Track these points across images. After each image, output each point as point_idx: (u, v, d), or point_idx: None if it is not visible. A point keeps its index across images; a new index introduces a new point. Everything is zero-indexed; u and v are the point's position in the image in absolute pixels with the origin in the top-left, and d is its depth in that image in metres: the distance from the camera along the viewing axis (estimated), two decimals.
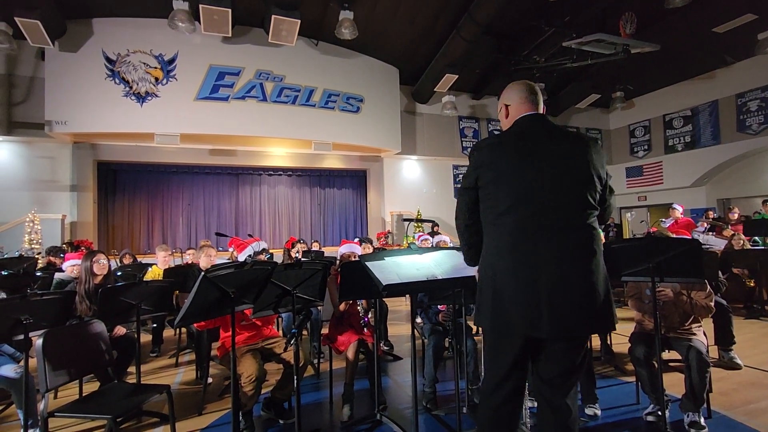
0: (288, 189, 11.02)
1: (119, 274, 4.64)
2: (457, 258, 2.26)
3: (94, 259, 3.34)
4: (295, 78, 9.06)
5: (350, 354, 2.88)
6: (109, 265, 3.48)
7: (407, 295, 2.59)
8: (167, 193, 9.90)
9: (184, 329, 4.39)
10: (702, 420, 2.45)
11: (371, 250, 4.72)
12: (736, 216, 7.06)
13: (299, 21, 7.47)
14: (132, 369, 3.16)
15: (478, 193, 1.64)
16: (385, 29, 8.93)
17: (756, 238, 6.19)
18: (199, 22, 7.35)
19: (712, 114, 11.15)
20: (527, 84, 1.74)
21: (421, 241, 5.56)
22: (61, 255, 5.49)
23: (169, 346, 4.68)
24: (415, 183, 11.70)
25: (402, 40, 9.36)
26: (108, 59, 7.80)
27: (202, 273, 1.79)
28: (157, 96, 8.06)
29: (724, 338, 3.61)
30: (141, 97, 7.98)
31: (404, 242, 9.04)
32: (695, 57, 10.18)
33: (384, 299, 4.52)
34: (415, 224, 9.57)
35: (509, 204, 1.53)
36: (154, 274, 4.59)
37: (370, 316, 3.21)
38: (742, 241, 5.48)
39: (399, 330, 5.10)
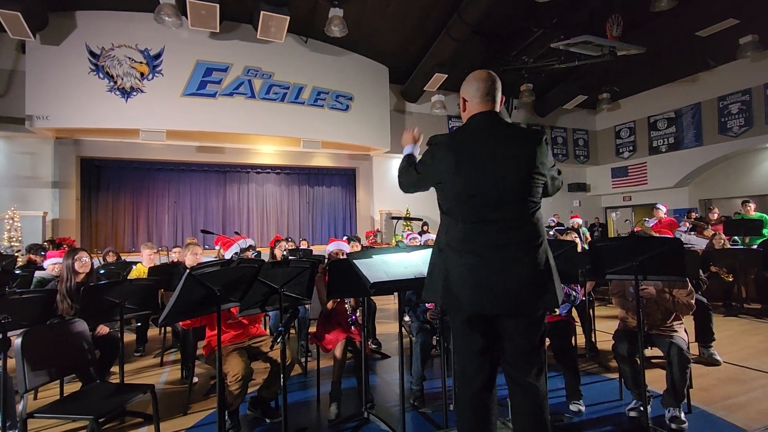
0: (276, 187, 10.94)
1: (102, 272, 4.55)
2: None
3: (75, 257, 3.27)
4: (284, 75, 8.98)
5: (338, 352, 2.87)
6: (92, 263, 3.41)
7: (395, 294, 2.59)
8: (153, 190, 9.75)
9: (169, 328, 4.33)
10: (682, 415, 2.50)
11: (360, 249, 4.71)
12: (716, 216, 7.23)
13: (288, 17, 7.42)
14: (115, 369, 3.11)
15: (424, 180, 1.80)
16: (374, 27, 8.92)
17: (735, 237, 6.34)
18: (186, 17, 7.24)
19: (695, 116, 11.40)
20: (486, 80, 1.75)
21: (410, 239, 5.58)
22: (42, 253, 5.36)
23: (154, 346, 4.62)
24: None
25: (392, 38, 9.36)
26: (92, 53, 7.63)
27: (188, 270, 1.77)
28: (142, 91, 7.92)
29: (705, 335, 3.70)
30: (126, 93, 7.83)
31: (393, 241, 9.05)
32: (679, 60, 10.39)
33: (372, 297, 4.53)
34: (404, 223, 9.60)
35: (461, 198, 1.65)
36: (138, 272, 4.52)
37: (358, 314, 3.21)
38: (722, 241, 5.61)
39: (387, 328, 5.11)
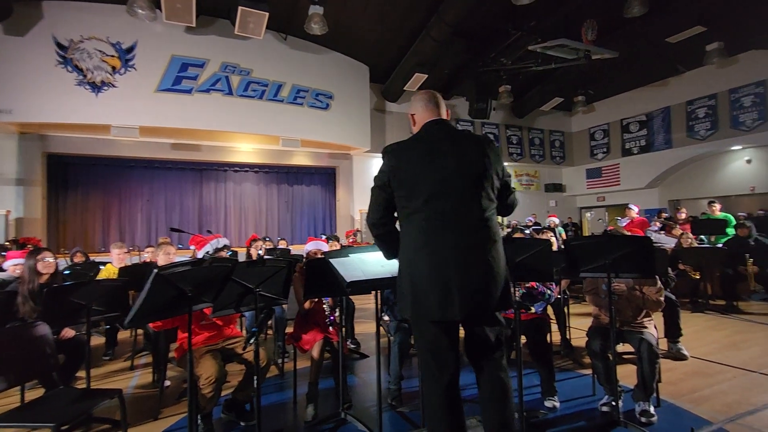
0: (255, 186, 10.76)
1: (67, 273, 4.36)
2: None
3: (38, 257, 3.13)
4: (262, 72, 8.84)
5: (315, 353, 2.83)
6: (56, 264, 3.27)
7: (374, 293, 2.58)
8: (125, 188, 9.43)
9: (140, 330, 4.19)
10: (652, 408, 2.57)
11: (339, 248, 4.67)
12: (683, 216, 7.50)
13: (267, 14, 7.30)
14: (82, 374, 2.99)
15: (389, 192, 1.78)
16: (355, 26, 8.88)
17: (702, 236, 6.60)
18: (161, 10, 7.03)
19: (665, 120, 11.82)
20: (428, 93, 1.88)
21: None
22: (2, 254, 5.10)
23: (125, 349, 4.46)
24: None
25: (372, 37, 9.34)
26: (59, 45, 7.32)
27: (155, 270, 1.70)
28: (114, 86, 7.64)
29: (673, 331, 3.83)
30: (96, 87, 7.54)
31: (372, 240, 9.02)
32: (650, 65, 10.75)
33: (351, 297, 4.50)
34: None
35: (419, 203, 1.69)
36: (108, 272, 4.35)
37: (336, 314, 3.18)
38: (690, 240, 5.83)
39: (366, 328, 5.09)
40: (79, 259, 5.52)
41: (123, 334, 4.78)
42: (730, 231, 6.35)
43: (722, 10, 8.05)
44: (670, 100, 11.69)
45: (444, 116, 1.84)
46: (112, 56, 7.64)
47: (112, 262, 4.49)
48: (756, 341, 4.17)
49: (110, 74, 7.62)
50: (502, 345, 1.80)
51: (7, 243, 6.67)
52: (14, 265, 3.52)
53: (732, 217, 6.75)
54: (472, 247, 1.67)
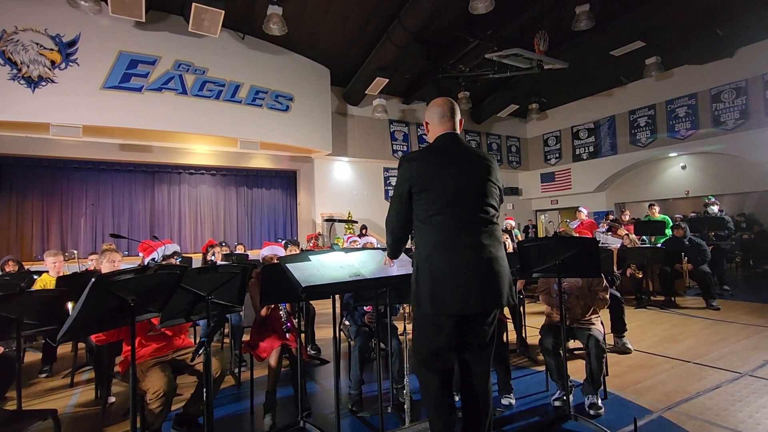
0: (212, 189, 10.38)
1: None
2: (382, 258, 2.27)
3: None
4: (219, 72, 8.55)
5: (272, 360, 2.75)
6: None
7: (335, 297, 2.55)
8: (67, 191, 8.81)
9: (81, 344, 3.90)
10: (599, 401, 2.71)
11: (298, 252, 4.58)
12: (627, 217, 8.00)
13: (223, 11, 7.08)
14: (13, 393, 2.73)
15: (409, 199, 1.91)
16: (316, 28, 8.80)
17: (644, 237, 7.06)
18: (106, 3, 6.64)
19: (611, 128, 12.59)
20: (445, 106, 2.00)
21: (350, 242, 5.54)
22: None
23: (64, 364, 4.13)
24: (346, 184, 11.67)
25: (333, 40, 9.30)
26: None
27: (92, 280, 1.58)
28: (53, 81, 7.11)
29: (618, 326, 4.06)
30: (33, 82, 6.99)
31: (332, 243, 8.95)
32: (597, 76, 11.43)
33: (311, 302, 4.42)
34: (346, 225, 9.53)
35: (439, 207, 1.84)
36: (44, 282, 4.02)
37: (296, 320, 3.10)
38: (632, 240, 6.22)
39: (327, 333, 5.02)
40: (11, 268, 5.05)
41: (63, 349, 4.43)
42: (668, 232, 6.83)
43: (659, 27, 8.70)
44: (615, 110, 12.49)
45: (457, 128, 1.99)
46: (51, 50, 7.11)
47: (48, 272, 4.16)
48: (691, 333, 4.51)
49: (49, 69, 7.09)
50: (494, 342, 1.97)
51: None
52: None
53: (669, 219, 7.27)
54: (484, 246, 1.83)
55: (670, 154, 11.69)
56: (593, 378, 2.70)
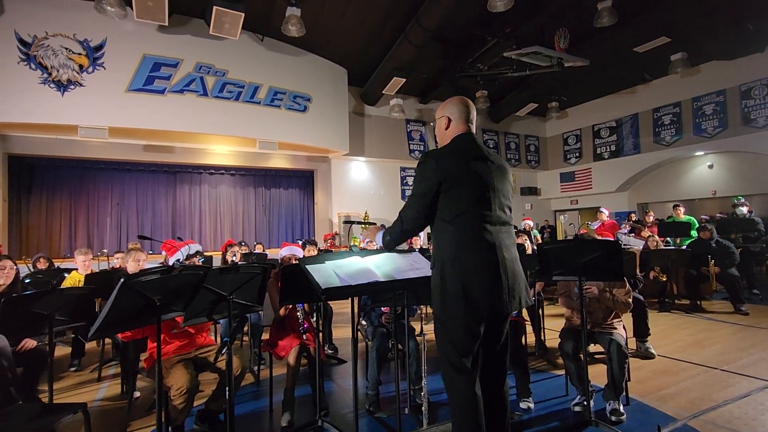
0: (231, 189, 10.56)
1: (28, 281, 4.15)
2: (398, 260, 2.28)
3: None
4: (238, 73, 8.69)
5: (291, 359, 2.79)
6: (17, 272, 3.11)
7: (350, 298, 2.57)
8: (94, 191, 9.09)
9: (108, 340, 4.03)
10: (621, 407, 2.65)
11: (315, 253, 4.63)
12: (651, 219, 7.79)
13: (243, 14, 7.18)
14: (45, 386, 2.85)
15: (435, 198, 1.86)
16: (333, 29, 8.85)
17: (668, 239, 6.87)
18: (131, 8, 6.82)
19: (633, 126, 12.27)
20: (470, 106, 2.03)
21: (367, 242, 5.56)
22: None
23: (92, 359, 4.28)
24: (362, 184, 11.70)
25: (351, 40, 9.33)
26: (22, 41, 6.98)
27: (121, 280, 1.64)
28: (81, 85, 7.35)
29: (641, 330, 3.96)
30: (62, 86, 7.24)
31: (350, 244, 9.00)
32: (619, 73, 11.15)
33: (329, 302, 4.46)
34: (363, 227, 9.56)
35: (466, 206, 1.83)
36: (73, 280, 4.16)
37: (313, 319, 3.14)
38: (656, 242, 6.06)
39: (344, 332, 5.06)
40: (42, 265, 5.27)
41: (91, 344, 4.58)
42: (694, 233, 6.63)
43: (686, 22, 8.43)
44: (638, 107, 12.16)
45: (474, 130, 2.01)
46: (80, 54, 7.36)
47: (77, 269, 4.31)
48: (718, 339, 4.36)
49: (77, 73, 7.33)
50: (508, 343, 1.99)
51: None
52: None
53: (695, 220, 7.05)
54: (507, 247, 1.87)
55: (696, 153, 11.32)
56: (615, 383, 2.65)
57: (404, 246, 4.16)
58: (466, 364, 1.83)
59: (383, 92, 10.55)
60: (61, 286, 4.09)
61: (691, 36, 9.06)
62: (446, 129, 2.03)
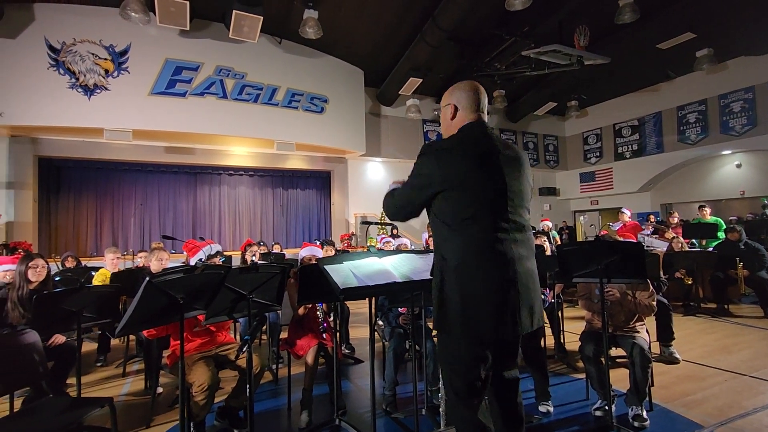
0: (249, 189, 10.72)
1: (58, 279, 4.31)
2: (416, 261, 2.28)
3: (30, 264, 3.09)
4: (257, 76, 8.83)
5: (309, 358, 2.82)
6: (48, 270, 3.23)
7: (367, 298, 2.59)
8: (118, 192, 9.37)
9: (132, 336, 4.15)
10: (644, 413, 2.59)
11: (333, 253, 4.67)
12: (675, 220, 7.57)
13: (262, 17, 7.30)
14: (73, 380, 2.95)
15: (430, 195, 1.63)
16: (350, 30, 8.90)
17: (693, 240, 6.67)
18: (154, 13, 7.01)
19: (656, 124, 11.95)
20: (480, 91, 1.72)
21: (384, 243, 5.57)
22: None
23: (117, 355, 4.41)
24: (379, 185, 11.72)
25: (367, 41, 9.37)
26: (51, 48, 7.26)
27: (147, 279, 1.69)
28: (107, 89, 7.60)
29: (665, 334, 3.85)
30: (89, 90, 7.49)
31: (367, 244, 9.03)
32: (641, 70, 10.87)
33: (346, 302, 4.49)
34: (379, 227, 9.59)
35: (473, 210, 1.55)
36: (102, 277, 4.30)
37: (330, 319, 3.17)
38: (681, 244, 5.88)
39: (361, 332, 5.08)
40: (70, 263, 5.46)
41: (115, 341, 4.73)
42: (721, 235, 6.42)
43: (712, 17, 8.17)
44: (661, 105, 11.83)
45: (486, 118, 1.72)
46: (105, 59, 7.60)
47: (106, 267, 4.45)
48: (747, 344, 4.21)
49: (103, 77, 7.58)
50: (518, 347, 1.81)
51: None
52: (5, 270, 3.47)
53: (722, 221, 6.82)
54: (522, 258, 1.58)
55: (724, 152, 10.94)
56: (638, 388, 2.59)
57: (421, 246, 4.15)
58: (468, 390, 1.60)
59: (399, 93, 10.55)
60: (91, 283, 4.24)
61: (718, 31, 8.76)
62: (452, 119, 1.74)
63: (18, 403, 2.83)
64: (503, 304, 1.52)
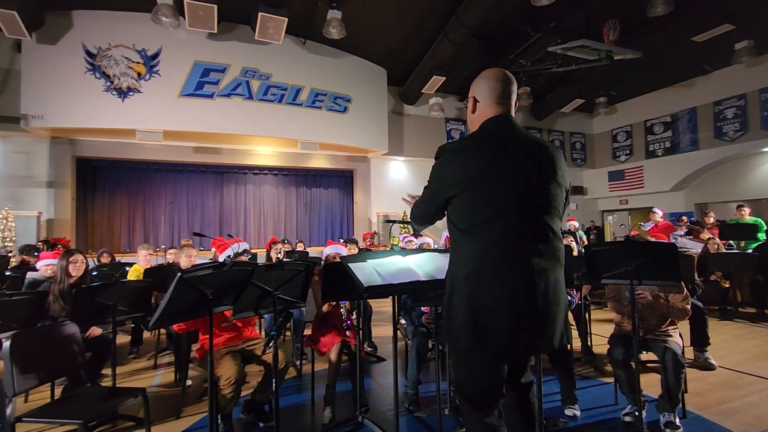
0: (274, 188, 10.91)
1: (95, 273, 4.51)
2: (439, 259, 2.27)
3: (71, 260, 3.25)
4: (281, 76, 8.97)
5: (333, 355, 2.85)
6: (87, 265, 3.39)
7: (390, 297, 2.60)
8: (149, 190, 9.71)
9: (163, 330, 4.30)
10: (677, 420, 2.50)
11: (356, 251, 4.70)
12: (711, 220, 7.25)
13: (286, 19, 7.40)
14: (108, 371, 3.09)
15: (446, 199, 1.54)
16: (373, 29, 8.92)
17: (731, 242, 6.36)
18: (184, 18, 7.22)
19: (691, 121, 11.45)
20: (503, 80, 1.58)
21: (406, 242, 5.57)
22: (36, 254, 5.32)
23: (149, 347, 4.58)
24: (401, 184, 11.70)
25: (390, 40, 9.37)
26: (88, 53, 7.60)
27: (178, 274, 1.75)
28: (139, 91, 7.89)
29: (700, 339, 3.70)
30: (123, 93, 7.79)
31: (389, 243, 9.04)
32: (675, 65, 10.44)
33: (368, 300, 4.51)
34: (401, 225, 9.59)
35: (488, 214, 1.43)
36: (136, 272, 4.48)
37: (353, 317, 3.19)
38: (717, 245, 5.63)
39: (383, 331, 5.09)
40: (105, 259, 5.71)
41: (147, 334, 4.91)
42: (761, 236, 6.10)
43: (752, 7, 7.76)
44: (696, 101, 11.32)
45: (513, 111, 1.58)
46: (138, 63, 7.89)
47: (139, 263, 4.63)
48: None
49: (136, 80, 7.87)
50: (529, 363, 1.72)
51: (38, 243, 6.94)
52: (46, 265, 3.66)
53: (762, 222, 6.48)
54: (543, 270, 1.42)
55: (765, 149, 10.37)
56: (670, 394, 2.49)
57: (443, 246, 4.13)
58: (487, 402, 1.51)
59: (422, 91, 10.50)
60: (125, 278, 4.42)
61: (759, 22, 8.32)
62: (473, 112, 1.61)
63: (58, 392, 2.99)
64: (515, 319, 1.39)
